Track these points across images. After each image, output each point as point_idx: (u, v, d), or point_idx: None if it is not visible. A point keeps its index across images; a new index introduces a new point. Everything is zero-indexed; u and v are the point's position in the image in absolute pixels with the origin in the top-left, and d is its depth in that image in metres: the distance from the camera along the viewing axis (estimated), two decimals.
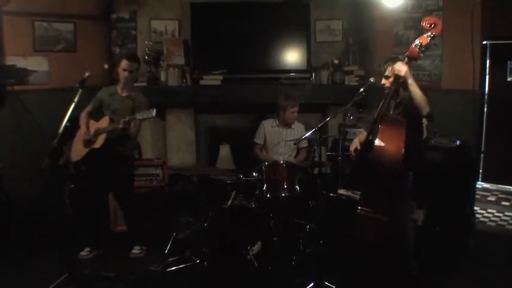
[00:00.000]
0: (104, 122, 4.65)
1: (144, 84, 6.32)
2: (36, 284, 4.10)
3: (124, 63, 4.70)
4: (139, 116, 4.39)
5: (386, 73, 4.09)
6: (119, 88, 4.83)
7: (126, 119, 4.41)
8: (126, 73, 4.70)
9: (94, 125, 4.75)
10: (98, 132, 4.63)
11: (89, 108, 4.84)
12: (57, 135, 4.32)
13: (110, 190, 5.00)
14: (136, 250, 4.89)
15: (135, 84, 6.26)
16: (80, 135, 4.77)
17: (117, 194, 4.99)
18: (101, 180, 4.77)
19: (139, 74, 6.37)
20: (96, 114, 4.79)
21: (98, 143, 4.60)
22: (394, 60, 4.12)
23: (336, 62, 6.45)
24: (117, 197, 5.03)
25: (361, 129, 4.72)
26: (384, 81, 4.15)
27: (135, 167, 5.17)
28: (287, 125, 5.71)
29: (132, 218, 4.98)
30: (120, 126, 4.42)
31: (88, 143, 4.68)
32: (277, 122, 5.76)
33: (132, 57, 4.82)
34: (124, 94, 4.80)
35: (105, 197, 5.10)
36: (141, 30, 6.52)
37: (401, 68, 3.79)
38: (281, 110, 5.65)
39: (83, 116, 4.83)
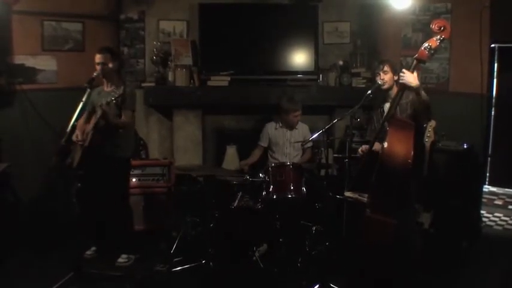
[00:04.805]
0: (92, 121, 4.53)
1: (152, 84, 6.34)
2: (43, 282, 4.11)
3: (96, 56, 4.62)
4: (108, 98, 4.32)
5: (385, 68, 4.17)
6: (104, 85, 4.77)
7: (103, 102, 4.33)
8: (98, 66, 4.59)
9: (86, 127, 4.63)
10: (87, 132, 4.54)
11: (85, 115, 4.75)
12: (65, 134, 4.36)
13: (102, 191, 4.73)
14: (122, 259, 4.77)
15: (145, 84, 6.37)
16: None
17: (105, 195, 4.72)
18: (98, 181, 4.70)
19: (147, 74, 6.44)
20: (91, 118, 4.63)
21: (87, 141, 4.50)
22: (390, 61, 4.25)
23: (341, 63, 6.44)
24: (105, 198, 4.74)
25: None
26: (382, 75, 4.22)
27: (130, 170, 5.06)
28: (289, 127, 5.72)
29: (121, 223, 4.82)
30: (99, 112, 4.34)
31: (82, 145, 4.58)
32: (280, 124, 5.76)
33: (103, 49, 4.68)
34: (108, 89, 4.72)
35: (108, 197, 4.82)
36: (149, 30, 6.53)
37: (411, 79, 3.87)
38: (283, 113, 5.65)
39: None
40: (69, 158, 4.68)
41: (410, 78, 3.89)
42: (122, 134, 4.69)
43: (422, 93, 3.98)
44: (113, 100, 4.34)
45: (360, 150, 4.50)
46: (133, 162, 5.46)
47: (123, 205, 4.86)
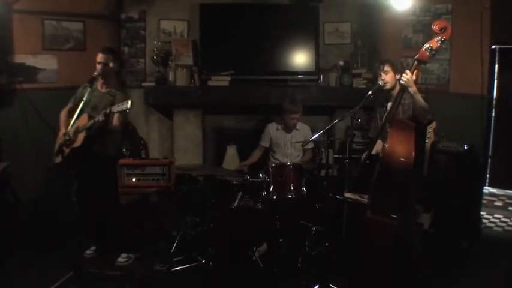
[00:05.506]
0: (83, 120, 4.48)
1: (153, 84, 6.34)
2: (43, 282, 4.10)
3: (98, 56, 4.61)
4: (114, 108, 4.30)
5: (386, 68, 4.18)
6: (98, 84, 4.72)
7: (107, 110, 4.33)
8: (99, 66, 4.57)
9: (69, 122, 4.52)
10: (77, 131, 4.48)
11: (69, 106, 4.75)
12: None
13: (95, 190, 4.75)
14: (122, 258, 4.79)
15: (146, 84, 6.38)
16: (60, 136, 4.61)
17: (100, 195, 4.74)
18: (93, 180, 4.70)
19: (148, 74, 6.44)
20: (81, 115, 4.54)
21: (78, 141, 4.46)
22: (390, 60, 4.24)
23: (341, 64, 6.44)
24: (99, 198, 4.76)
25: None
26: (383, 76, 4.22)
27: (116, 167, 5.08)
28: (287, 129, 5.72)
29: (120, 223, 4.84)
30: (101, 118, 4.33)
31: (68, 143, 4.50)
32: (282, 125, 5.76)
33: (105, 50, 4.68)
34: (104, 90, 4.71)
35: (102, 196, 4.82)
36: (150, 30, 6.54)
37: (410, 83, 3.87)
38: (284, 114, 5.65)
39: (62, 116, 4.76)
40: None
41: (410, 82, 3.87)
42: (111, 134, 4.69)
43: (419, 98, 3.97)
44: (117, 112, 4.34)
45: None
46: (134, 162, 5.51)
47: (115, 202, 4.91)
